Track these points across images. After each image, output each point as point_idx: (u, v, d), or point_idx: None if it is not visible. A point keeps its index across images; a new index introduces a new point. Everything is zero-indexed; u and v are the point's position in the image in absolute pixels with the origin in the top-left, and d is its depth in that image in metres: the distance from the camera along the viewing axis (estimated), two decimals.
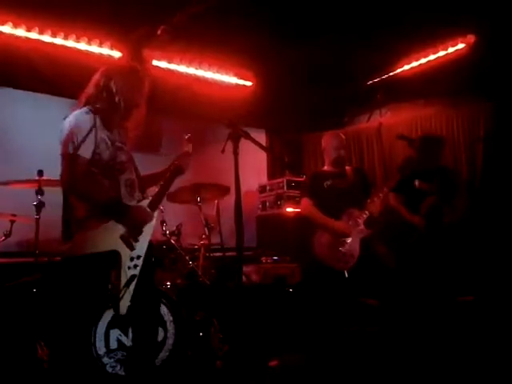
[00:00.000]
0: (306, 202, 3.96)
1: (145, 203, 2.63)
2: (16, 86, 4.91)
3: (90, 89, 2.67)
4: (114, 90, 2.61)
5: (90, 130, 2.51)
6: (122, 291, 2.42)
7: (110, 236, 2.46)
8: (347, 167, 4.11)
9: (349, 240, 3.74)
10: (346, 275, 3.68)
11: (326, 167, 4.12)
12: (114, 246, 2.46)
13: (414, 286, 3.77)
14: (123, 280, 2.44)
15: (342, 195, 3.88)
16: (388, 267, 3.73)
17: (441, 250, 3.98)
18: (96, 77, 2.68)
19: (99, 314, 2.88)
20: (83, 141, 2.47)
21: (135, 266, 2.51)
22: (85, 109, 2.59)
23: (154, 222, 2.66)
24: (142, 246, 2.56)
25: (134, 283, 2.48)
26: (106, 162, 2.56)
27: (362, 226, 3.78)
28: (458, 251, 4.39)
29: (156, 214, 2.67)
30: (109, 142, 2.59)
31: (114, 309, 2.46)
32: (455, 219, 4.12)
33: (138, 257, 2.53)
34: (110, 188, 2.56)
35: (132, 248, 2.51)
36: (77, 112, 2.59)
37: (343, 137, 4.11)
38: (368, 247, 3.80)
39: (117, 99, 2.61)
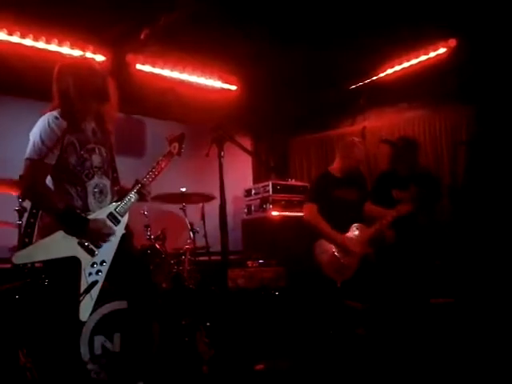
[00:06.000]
0: (310, 207, 3.87)
1: (111, 208, 2.58)
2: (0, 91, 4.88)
3: (53, 87, 2.62)
4: (67, 87, 2.55)
5: (60, 138, 2.46)
6: (82, 297, 2.39)
7: (68, 242, 2.42)
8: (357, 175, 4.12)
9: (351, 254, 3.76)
10: (338, 285, 3.70)
11: (336, 172, 4.05)
12: (72, 252, 2.42)
13: (398, 288, 3.80)
14: (83, 286, 2.41)
15: (349, 208, 3.89)
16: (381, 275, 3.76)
17: (419, 253, 4.03)
18: (54, 74, 2.62)
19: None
20: (51, 149, 2.43)
21: (98, 272, 2.47)
22: (54, 113, 2.53)
23: (125, 220, 2.61)
24: (106, 251, 2.51)
25: (96, 289, 2.44)
26: (72, 166, 2.51)
27: (365, 244, 3.82)
28: (439, 254, 4.45)
29: (125, 219, 2.61)
30: (77, 146, 2.53)
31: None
32: (428, 221, 4.18)
33: (102, 262, 2.49)
34: (76, 196, 2.52)
35: (93, 254, 2.47)
36: (47, 116, 2.52)
37: (362, 148, 4.10)
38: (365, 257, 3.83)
39: (71, 96, 2.54)
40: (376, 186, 4.33)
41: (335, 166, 4.08)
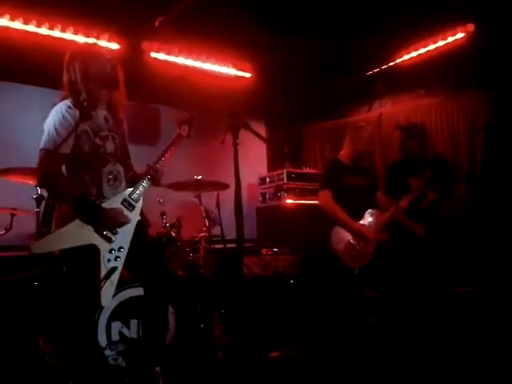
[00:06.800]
0: (325, 194, 3.83)
1: (125, 194, 2.59)
2: (14, 79, 4.91)
3: (63, 76, 2.63)
4: (75, 75, 2.57)
5: (74, 128, 2.47)
6: (102, 283, 2.43)
7: (85, 230, 2.44)
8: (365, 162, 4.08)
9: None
10: (356, 272, 3.69)
11: (345, 158, 4.00)
12: (89, 239, 2.45)
13: (414, 277, 3.78)
14: (102, 272, 2.45)
15: (361, 194, 3.86)
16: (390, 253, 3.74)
17: (440, 242, 3.99)
18: (64, 63, 2.63)
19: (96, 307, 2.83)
20: (65, 139, 2.45)
21: (116, 258, 2.50)
22: (67, 102, 2.55)
23: (140, 205, 2.63)
24: (123, 237, 2.54)
25: (115, 275, 2.47)
26: (86, 154, 2.53)
27: (380, 229, 3.80)
28: (457, 242, 4.40)
29: (139, 204, 2.63)
30: (91, 133, 2.55)
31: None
32: (452, 211, 4.12)
33: (120, 248, 2.52)
34: (90, 183, 2.54)
35: (110, 240, 2.49)
36: (60, 106, 2.54)
37: (370, 130, 4.06)
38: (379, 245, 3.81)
39: (79, 84, 2.56)
40: (389, 175, 4.29)
41: (344, 153, 4.03)
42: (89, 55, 2.65)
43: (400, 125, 4.49)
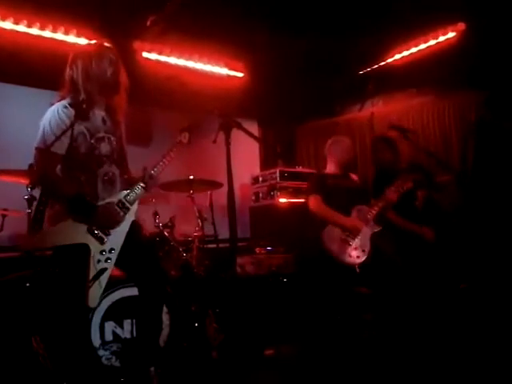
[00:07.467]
0: (314, 198, 3.91)
1: (120, 196, 2.59)
2: (4, 80, 4.88)
3: (65, 76, 2.63)
4: (77, 75, 2.57)
5: (68, 127, 2.47)
6: (90, 284, 2.42)
7: (77, 229, 2.45)
8: (353, 175, 4.18)
9: (359, 235, 3.75)
10: (358, 271, 3.69)
11: (329, 170, 4.14)
12: (81, 239, 2.45)
13: (411, 275, 3.79)
14: (92, 273, 2.44)
15: (347, 193, 3.92)
16: (394, 264, 3.74)
17: (445, 239, 4.03)
18: (68, 62, 2.63)
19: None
20: (59, 138, 2.44)
21: (107, 260, 2.50)
22: (64, 102, 2.55)
23: (134, 208, 2.63)
24: (115, 239, 2.53)
25: (104, 276, 2.47)
26: (83, 154, 2.53)
27: (371, 222, 3.81)
28: (452, 240, 4.43)
29: (134, 207, 2.62)
30: (87, 135, 2.55)
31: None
32: (449, 204, 4.15)
33: (111, 250, 2.52)
34: (85, 183, 2.54)
35: (102, 241, 2.49)
36: (56, 106, 2.54)
37: (349, 141, 4.22)
38: (376, 245, 3.80)
39: (79, 84, 2.56)
40: (374, 184, 4.32)
41: (328, 168, 4.18)
42: (92, 56, 2.63)
43: (392, 125, 4.52)
